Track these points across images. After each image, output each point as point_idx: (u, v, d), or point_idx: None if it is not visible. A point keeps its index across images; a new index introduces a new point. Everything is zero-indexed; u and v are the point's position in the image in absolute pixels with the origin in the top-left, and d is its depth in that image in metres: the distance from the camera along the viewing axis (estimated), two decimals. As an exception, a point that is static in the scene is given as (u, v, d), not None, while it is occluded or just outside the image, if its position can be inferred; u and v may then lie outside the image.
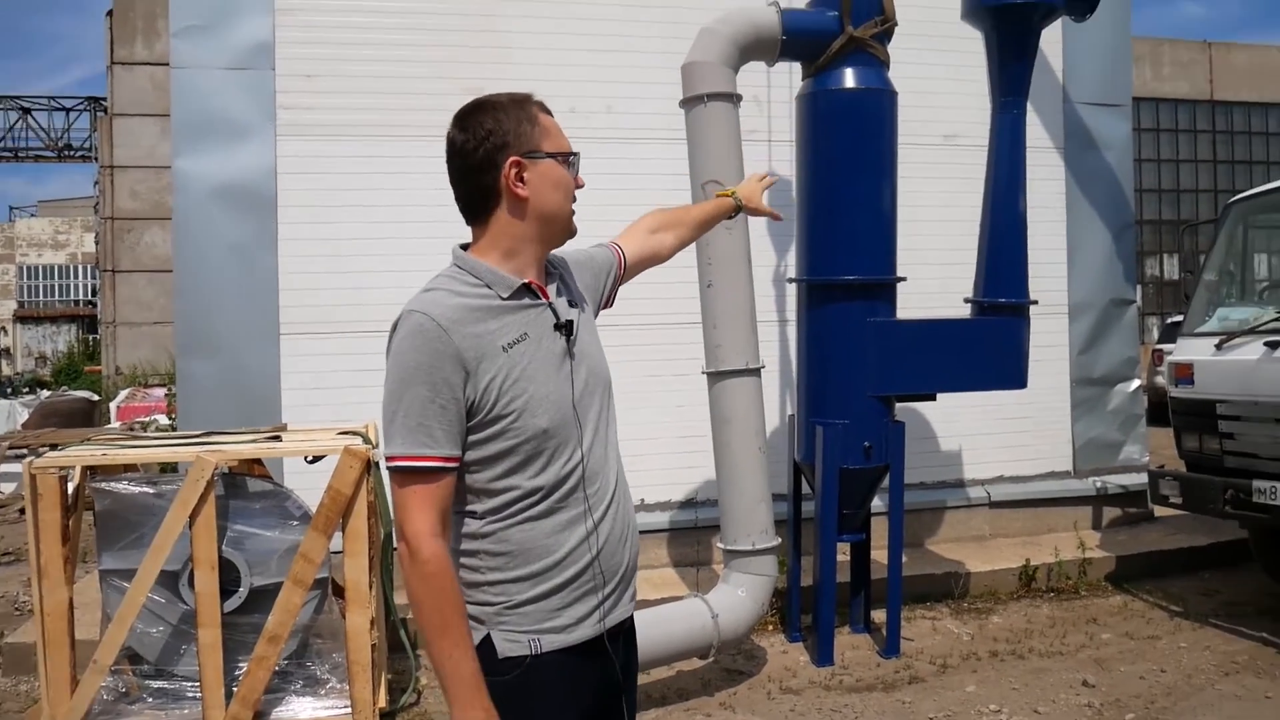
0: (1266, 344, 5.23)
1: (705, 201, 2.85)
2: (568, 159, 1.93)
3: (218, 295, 5.94)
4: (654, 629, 4.52)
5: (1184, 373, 5.81)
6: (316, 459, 4.43)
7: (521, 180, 1.87)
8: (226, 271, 5.95)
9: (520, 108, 1.90)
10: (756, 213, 2.88)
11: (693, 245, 4.86)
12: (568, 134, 1.97)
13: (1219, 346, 5.54)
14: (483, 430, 1.79)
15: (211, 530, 4.00)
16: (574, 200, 1.97)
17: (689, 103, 4.87)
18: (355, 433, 4.41)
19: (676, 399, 6.32)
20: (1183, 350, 5.93)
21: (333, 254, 6.08)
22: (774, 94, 6.49)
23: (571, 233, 1.99)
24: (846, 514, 5.11)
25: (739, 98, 4.90)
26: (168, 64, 6.08)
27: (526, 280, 1.89)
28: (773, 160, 6.34)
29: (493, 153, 1.86)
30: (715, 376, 4.90)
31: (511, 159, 1.85)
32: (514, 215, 1.89)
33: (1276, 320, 5.40)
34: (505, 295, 1.85)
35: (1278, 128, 22.56)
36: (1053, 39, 7.01)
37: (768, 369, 5.43)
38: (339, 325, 6.03)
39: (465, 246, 1.95)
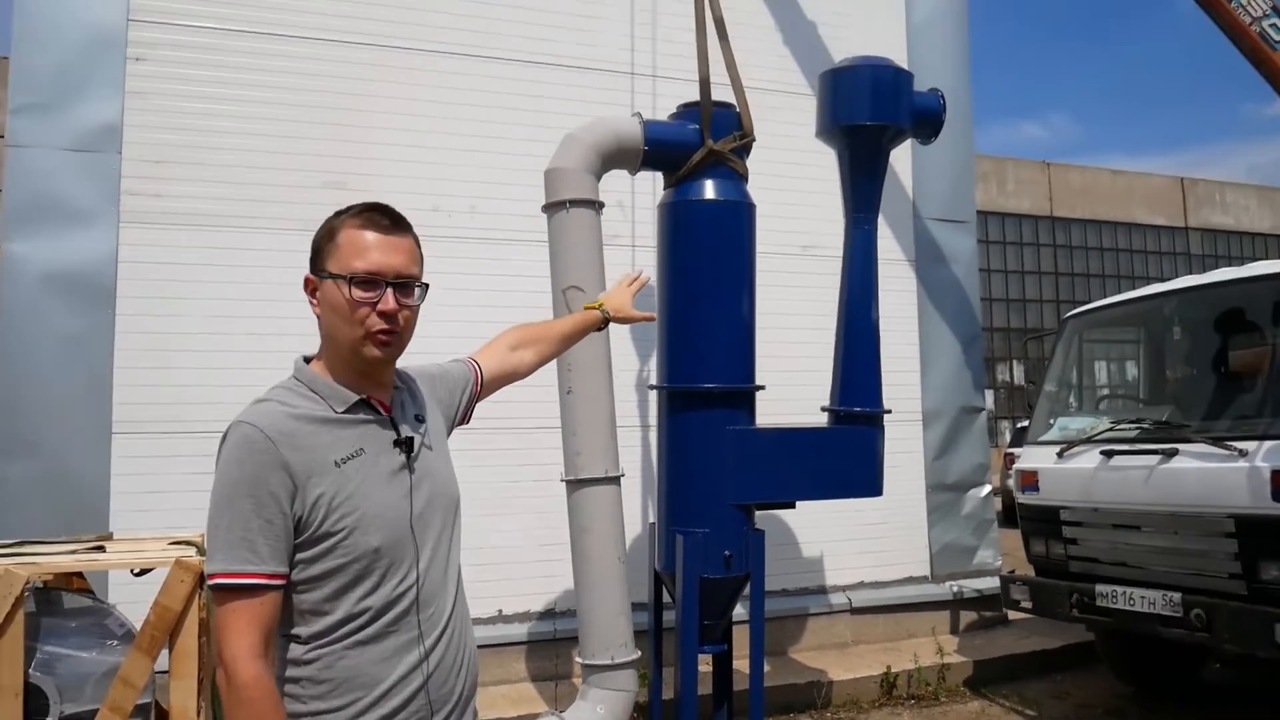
0: (1103, 453, 5.56)
1: (570, 315, 2.83)
2: (349, 280, 1.81)
3: (44, 389, 5.60)
4: (507, 750, 4.38)
5: (1029, 480, 6.10)
6: (144, 572, 4.16)
7: (315, 298, 1.88)
8: (55, 364, 5.63)
9: (330, 223, 1.88)
10: (628, 321, 2.90)
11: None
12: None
13: (1060, 455, 5.85)
14: (310, 548, 1.74)
15: (17, 653, 3.68)
16: (364, 326, 1.82)
17: (551, 208, 4.95)
18: (188, 543, 4.18)
19: (538, 505, 6.25)
20: (1028, 458, 6.23)
21: (174, 349, 5.84)
22: (639, 199, 6.67)
23: (364, 360, 1.85)
24: (708, 624, 5.09)
25: (601, 205, 5.01)
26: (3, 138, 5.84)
27: (365, 395, 1.86)
28: (636, 266, 6.48)
29: (309, 267, 1.90)
30: (574, 484, 4.87)
31: (306, 275, 1.88)
32: (321, 332, 1.90)
33: (1111, 430, 5.76)
34: (340, 409, 1.83)
35: (1110, 244, 24.46)
36: (903, 157, 7.46)
37: (629, 476, 5.44)
38: (177, 425, 5.76)
39: (310, 358, 1.93)
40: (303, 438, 1.75)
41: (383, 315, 1.82)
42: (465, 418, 2.26)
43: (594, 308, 2.79)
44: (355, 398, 1.85)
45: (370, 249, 1.82)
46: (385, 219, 1.87)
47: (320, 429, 1.78)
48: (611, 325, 5.04)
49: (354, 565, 1.76)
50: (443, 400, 2.15)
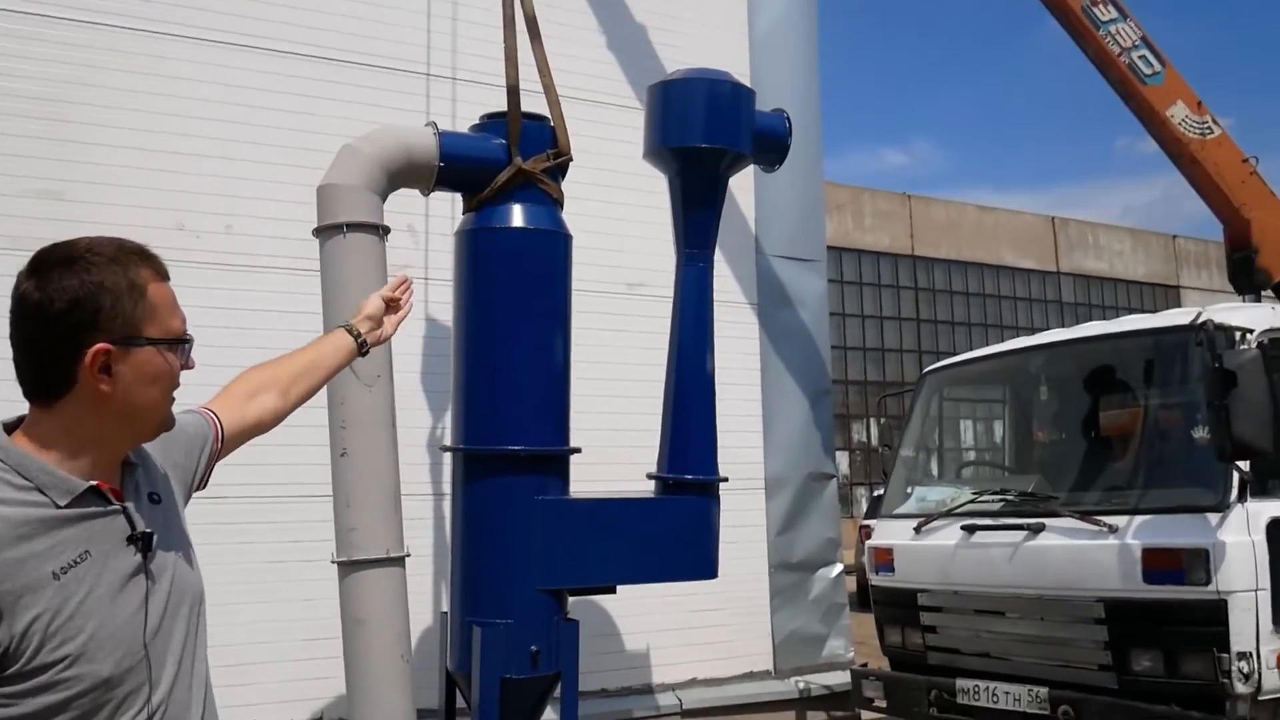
0: (964, 528, 5.82)
1: (314, 342, 2.61)
2: (176, 346, 1.84)
3: None
4: None
5: (884, 558, 6.35)
6: None
7: (107, 371, 1.74)
8: None
9: (125, 272, 1.77)
10: (385, 326, 2.69)
11: (323, 402, 4.81)
12: (179, 256, 1.93)
13: (918, 530, 6.11)
14: (20, 683, 1.63)
15: None
16: (176, 388, 1.88)
17: (325, 231, 4.87)
18: None
19: (304, 591, 6.07)
20: (882, 533, 6.49)
21: None
22: (434, 224, 6.65)
23: (167, 426, 1.92)
24: (510, 735, 5.05)
25: (386, 230, 4.97)
26: None
27: (94, 483, 1.77)
28: (430, 302, 6.44)
29: (75, 330, 1.72)
30: (348, 567, 4.77)
31: (98, 346, 1.72)
32: (90, 410, 1.76)
33: (973, 502, 6.06)
34: (63, 503, 1.72)
35: (977, 288, 25.97)
36: (745, 186, 7.71)
37: (416, 556, 5.36)
38: None
39: (13, 426, 1.80)
40: (13, 545, 1.64)
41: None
42: (203, 482, 2.19)
43: (348, 329, 2.58)
44: (83, 486, 1.74)
45: (177, 304, 1.86)
46: (160, 262, 1.87)
47: (36, 531, 1.67)
48: (398, 376, 5.04)
49: (80, 700, 1.67)
50: (179, 464, 2.07)
